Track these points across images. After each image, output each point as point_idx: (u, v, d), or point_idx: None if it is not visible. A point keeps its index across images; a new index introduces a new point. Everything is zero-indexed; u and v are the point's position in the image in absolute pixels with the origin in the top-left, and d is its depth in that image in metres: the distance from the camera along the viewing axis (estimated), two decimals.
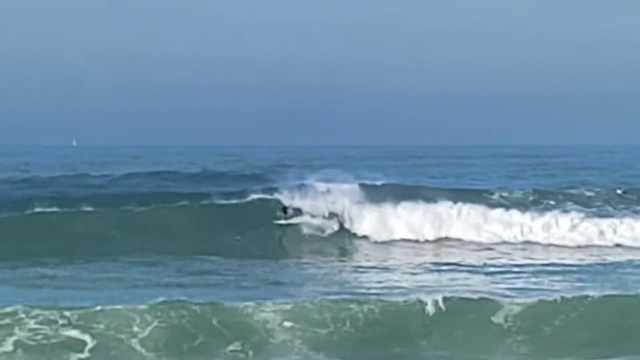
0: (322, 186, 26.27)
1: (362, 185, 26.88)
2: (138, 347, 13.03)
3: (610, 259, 22.39)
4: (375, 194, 26.05)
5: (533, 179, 39.73)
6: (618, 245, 24.53)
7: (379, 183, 28.30)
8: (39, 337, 12.95)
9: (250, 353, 13.25)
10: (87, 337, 12.98)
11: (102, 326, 13.13)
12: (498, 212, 25.16)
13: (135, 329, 13.14)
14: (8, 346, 12.77)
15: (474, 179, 38.28)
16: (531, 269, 20.28)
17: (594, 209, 26.72)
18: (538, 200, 27.60)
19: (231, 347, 13.32)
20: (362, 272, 19.98)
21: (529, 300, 14.57)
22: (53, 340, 12.93)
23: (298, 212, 24.77)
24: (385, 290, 16.57)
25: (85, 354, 12.84)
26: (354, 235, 24.41)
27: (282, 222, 24.55)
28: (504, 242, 24.47)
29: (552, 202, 27.15)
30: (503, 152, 73.98)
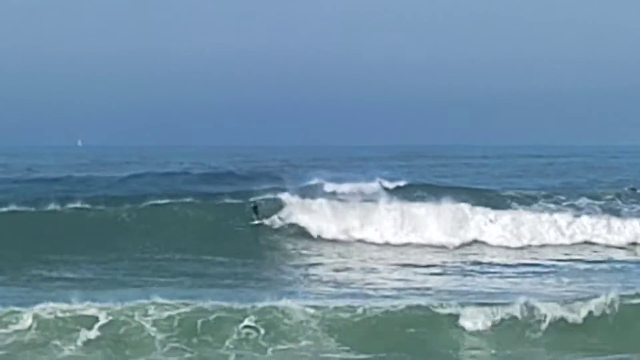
0: (338, 186, 26.00)
1: (382, 185, 26.61)
2: (148, 325, 13.03)
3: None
4: (396, 194, 25.70)
5: (544, 178, 39.72)
6: None
7: (402, 183, 27.86)
8: (57, 310, 13.04)
9: (262, 331, 13.21)
10: (102, 315, 13.04)
11: (118, 308, 13.19)
12: (521, 212, 24.94)
13: (152, 311, 13.22)
14: (27, 320, 12.86)
15: (488, 179, 38.24)
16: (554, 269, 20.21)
17: (610, 207, 26.69)
18: (554, 198, 27.57)
19: (246, 322, 13.21)
20: (388, 274, 19.46)
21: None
22: (68, 314, 12.99)
23: (272, 211, 24.14)
24: (407, 292, 16.49)
25: (95, 332, 12.86)
26: (375, 237, 23.68)
27: (256, 222, 23.94)
28: (530, 245, 24.12)
29: (573, 201, 27.07)
30: (507, 152, 73.95)
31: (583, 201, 27.14)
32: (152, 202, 24.29)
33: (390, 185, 27.47)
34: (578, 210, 25.79)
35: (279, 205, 24.29)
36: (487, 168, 50.20)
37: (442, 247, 23.27)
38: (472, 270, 19.84)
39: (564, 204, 26.91)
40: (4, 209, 23.16)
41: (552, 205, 26.85)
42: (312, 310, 13.48)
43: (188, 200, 24.77)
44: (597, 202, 27.18)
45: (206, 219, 23.84)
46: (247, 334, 13.08)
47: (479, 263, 20.98)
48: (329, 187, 26.29)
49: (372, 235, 23.72)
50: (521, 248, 23.71)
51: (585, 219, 24.92)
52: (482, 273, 19.58)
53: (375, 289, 17.01)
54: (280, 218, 24.02)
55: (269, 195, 24.81)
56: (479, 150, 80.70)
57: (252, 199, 24.58)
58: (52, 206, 23.61)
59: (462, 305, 14.00)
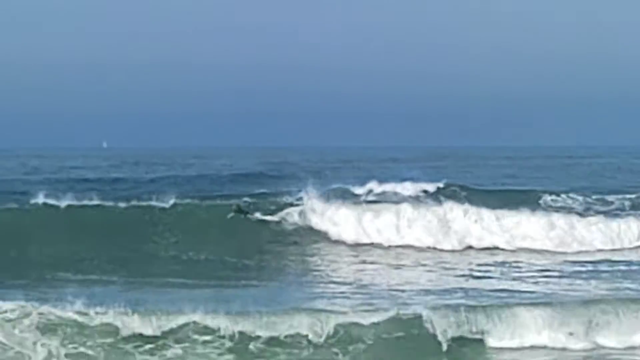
0: (379, 187, 25.89)
1: (421, 189, 26.44)
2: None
3: None
4: (434, 196, 25.49)
5: (572, 178, 39.57)
6: None
7: (441, 184, 27.57)
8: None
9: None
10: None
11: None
12: (560, 215, 24.58)
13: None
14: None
15: (519, 179, 38.07)
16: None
17: None
18: (589, 197, 27.56)
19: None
20: (435, 279, 19.26)
21: None
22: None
23: (300, 213, 23.74)
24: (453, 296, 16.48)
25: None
26: (412, 242, 23.17)
27: (251, 217, 23.65)
28: (575, 252, 23.22)
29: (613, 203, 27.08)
30: (530, 153, 73.58)
31: (614, 198, 27.29)
32: (181, 201, 24.30)
33: (430, 187, 27.24)
34: (608, 206, 25.80)
35: (306, 207, 23.95)
36: (513, 169, 50.00)
37: (493, 252, 22.77)
38: (502, 273, 19.76)
39: (594, 197, 27.05)
40: (35, 201, 23.13)
41: (580, 198, 26.96)
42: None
43: (217, 200, 24.79)
44: (628, 197, 27.42)
45: (233, 219, 23.76)
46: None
47: (513, 266, 20.82)
48: (366, 188, 26.26)
49: (408, 238, 23.19)
50: (563, 253, 23.12)
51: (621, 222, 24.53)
52: (520, 276, 19.43)
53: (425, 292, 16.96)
54: (306, 220, 23.71)
55: (298, 196, 24.62)
56: (503, 151, 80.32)
57: (232, 201, 24.38)
58: (82, 203, 23.58)
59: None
